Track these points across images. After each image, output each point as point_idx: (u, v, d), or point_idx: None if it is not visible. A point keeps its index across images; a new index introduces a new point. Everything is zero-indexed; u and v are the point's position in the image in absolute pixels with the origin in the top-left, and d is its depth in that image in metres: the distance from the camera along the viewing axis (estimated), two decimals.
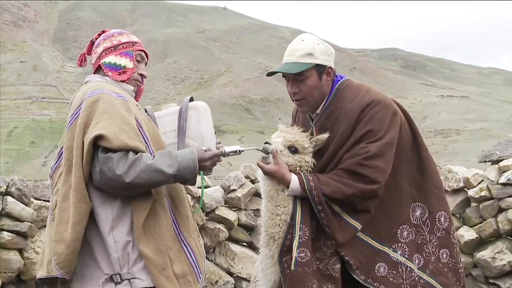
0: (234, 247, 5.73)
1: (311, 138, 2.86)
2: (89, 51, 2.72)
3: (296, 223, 2.73)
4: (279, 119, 42.97)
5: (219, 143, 2.64)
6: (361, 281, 2.75)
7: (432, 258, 2.84)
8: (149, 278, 2.29)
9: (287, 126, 2.96)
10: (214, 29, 66.83)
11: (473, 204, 5.93)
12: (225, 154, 2.56)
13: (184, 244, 2.44)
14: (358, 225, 2.73)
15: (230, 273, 5.66)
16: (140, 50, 2.65)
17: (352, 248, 2.74)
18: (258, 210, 6.00)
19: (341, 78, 2.94)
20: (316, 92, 2.84)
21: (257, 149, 2.74)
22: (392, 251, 2.78)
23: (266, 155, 2.74)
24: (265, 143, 2.75)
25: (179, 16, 68.99)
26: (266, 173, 2.77)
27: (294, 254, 2.68)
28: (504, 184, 5.59)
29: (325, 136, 2.81)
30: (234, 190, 5.71)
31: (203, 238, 5.49)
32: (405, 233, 2.81)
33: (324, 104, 2.88)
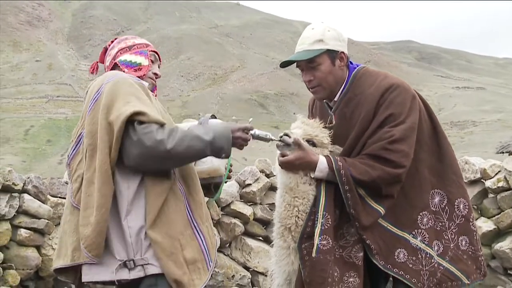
0: (250, 241, 5.73)
1: (330, 133, 2.84)
2: (102, 59, 2.78)
3: (319, 209, 2.72)
4: (294, 113, 42.82)
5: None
6: (380, 267, 2.75)
7: (451, 245, 2.84)
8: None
9: (308, 118, 2.94)
10: (227, 25, 66.83)
11: (491, 195, 5.88)
12: (254, 135, 2.58)
13: (197, 230, 2.45)
14: (381, 210, 2.73)
15: (247, 268, 5.67)
16: (153, 51, 2.73)
17: (373, 233, 2.74)
18: (273, 204, 6.00)
19: (358, 66, 2.94)
20: (330, 77, 2.85)
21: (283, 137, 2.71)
22: (412, 237, 2.78)
23: (283, 145, 2.70)
24: (284, 134, 2.72)
25: (192, 12, 69.10)
26: (290, 162, 2.74)
27: (316, 241, 2.67)
28: None
29: (340, 149, 2.82)
30: (249, 184, 5.72)
31: (219, 233, 5.50)
32: (425, 219, 2.81)
33: (342, 91, 2.88)
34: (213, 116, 2.74)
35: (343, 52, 2.86)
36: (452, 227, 2.87)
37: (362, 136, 2.79)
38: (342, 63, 2.87)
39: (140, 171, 2.36)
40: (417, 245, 2.79)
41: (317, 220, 2.71)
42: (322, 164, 2.74)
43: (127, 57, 2.65)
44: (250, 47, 60.34)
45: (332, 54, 2.83)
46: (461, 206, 2.90)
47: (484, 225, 5.72)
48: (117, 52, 2.67)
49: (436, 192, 2.87)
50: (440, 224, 2.85)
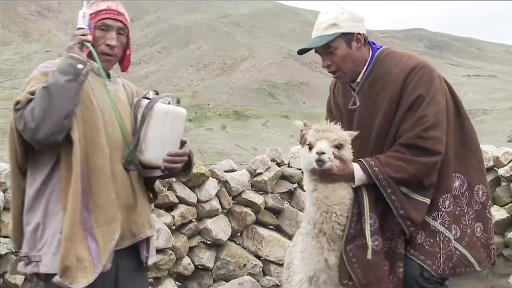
0: (261, 230, 5.74)
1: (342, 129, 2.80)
2: None
3: (364, 211, 2.71)
4: (303, 102, 42.75)
5: None
6: (402, 249, 2.75)
7: (468, 231, 2.82)
8: (54, 264, 2.29)
9: (305, 124, 2.87)
10: (236, 14, 66.58)
11: (504, 183, 5.86)
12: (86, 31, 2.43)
13: (89, 233, 2.38)
14: (427, 200, 2.72)
15: (258, 257, 5.68)
16: (105, 18, 2.54)
17: None
18: (284, 193, 6.01)
19: (381, 47, 2.90)
20: (349, 60, 2.83)
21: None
22: (432, 219, 2.76)
23: (321, 162, 2.65)
24: (320, 154, 2.65)
25: (201, 1, 68.92)
26: (334, 176, 2.70)
27: (369, 243, 2.66)
28: None
29: (354, 133, 2.78)
30: (260, 173, 5.71)
31: (230, 222, 5.50)
32: (446, 202, 2.78)
33: (365, 72, 2.85)
34: (156, 92, 2.69)
35: (359, 33, 2.82)
36: (470, 213, 2.84)
37: (391, 118, 2.76)
38: (360, 44, 2.84)
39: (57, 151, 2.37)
40: (436, 227, 2.76)
41: (364, 222, 2.70)
42: (358, 172, 2.72)
43: None
44: (259, 36, 60.12)
45: (347, 36, 2.80)
46: (480, 192, 2.87)
47: (497, 213, 5.70)
48: None
49: (457, 176, 2.84)
50: (459, 208, 2.83)
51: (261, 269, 5.64)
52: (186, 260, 5.23)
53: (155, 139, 2.54)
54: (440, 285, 2.78)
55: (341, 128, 2.80)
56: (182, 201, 5.19)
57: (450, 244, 2.75)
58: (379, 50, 2.89)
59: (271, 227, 5.94)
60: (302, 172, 6.01)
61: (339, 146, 2.74)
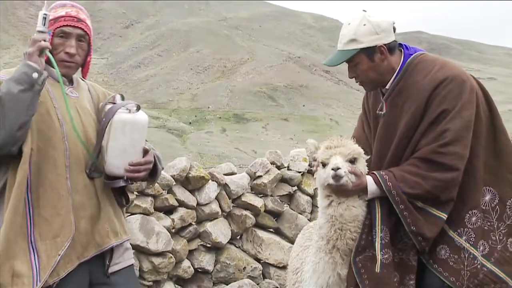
0: (261, 233, 5.75)
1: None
2: None
3: (376, 224, 2.70)
4: (303, 105, 42.72)
5: None
6: (425, 261, 2.72)
7: (499, 247, 2.72)
8: None
9: (315, 144, 2.93)
10: (236, 17, 66.63)
11: None
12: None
13: (32, 246, 2.34)
14: (444, 216, 2.65)
15: (258, 259, 5.69)
16: (64, 25, 2.48)
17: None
18: (284, 196, 6.02)
19: (415, 52, 2.82)
20: (372, 73, 2.79)
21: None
22: (457, 235, 2.69)
23: (338, 177, 2.68)
24: (336, 169, 2.67)
25: (201, 5, 68.99)
26: (348, 191, 2.71)
27: (379, 256, 2.65)
28: None
29: (368, 157, 2.81)
30: (260, 176, 5.72)
31: (230, 225, 5.51)
32: (473, 218, 2.70)
33: (394, 80, 2.80)
34: (122, 97, 2.67)
35: (382, 46, 2.77)
36: (501, 228, 2.75)
37: (413, 130, 2.72)
38: (383, 56, 2.79)
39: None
40: (461, 244, 2.70)
41: (375, 235, 2.69)
42: (372, 186, 2.71)
43: None
44: (259, 39, 60.18)
45: (368, 51, 2.76)
46: None
47: None
48: None
49: (488, 190, 2.75)
50: (489, 223, 2.74)
51: (260, 272, 5.65)
52: (186, 263, 5.24)
53: (114, 150, 2.52)
54: None
55: (364, 132, 2.87)
56: (181, 204, 5.20)
57: (476, 261, 2.68)
58: (411, 57, 2.83)
59: (271, 230, 5.95)
60: (302, 175, 6.04)
61: (353, 160, 2.76)
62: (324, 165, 2.78)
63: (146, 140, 2.73)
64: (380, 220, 2.71)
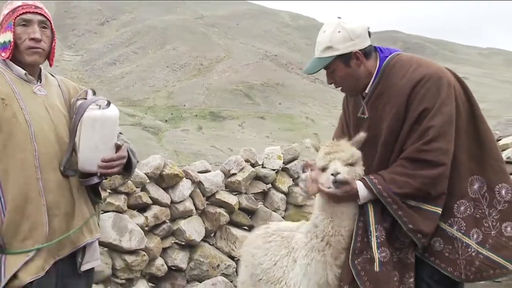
0: (235, 231, 5.77)
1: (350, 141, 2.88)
2: None
3: (370, 224, 2.75)
4: (279, 103, 42.78)
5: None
6: (419, 255, 2.78)
7: (493, 233, 2.78)
8: None
9: (307, 165, 2.96)
10: (213, 15, 66.39)
11: None
12: None
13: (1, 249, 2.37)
14: (438, 210, 2.72)
15: (232, 257, 5.71)
16: (24, 13, 2.48)
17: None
18: (258, 193, 6.04)
19: (390, 53, 2.88)
20: (349, 79, 2.86)
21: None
22: (448, 226, 2.77)
23: (338, 183, 2.73)
24: (336, 175, 2.73)
25: (178, 2, 68.59)
26: (337, 197, 2.76)
27: (376, 255, 2.71)
28: None
29: (362, 135, 2.84)
30: (234, 174, 5.74)
31: (204, 223, 5.51)
32: (462, 208, 2.77)
33: (372, 84, 2.85)
34: (94, 92, 2.67)
35: (357, 52, 2.81)
36: (493, 214, 2.80)
37: (396, 132, 2.77)
38: (359, 61, 2.84)
39: None
40: (453, 234, 2.77)
41: (370, 235, 2.74)
42: (363, 191, 2.76)
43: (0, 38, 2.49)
44: (235, 37, 60.05)
45: (344, 57, 2.82)
46: (503, 191, 2.83)
47: None
48: None
49: (476, 179, 2.82)
50: (480, 211, 2.80)
51: (234, 269, 5.66)
52: (159, 261, 5.23)
53: (86, 147, 2.53)
54: (453, 286, 2.81)
55: (348, 137, 2.89)
56: (155, 202, 5.19)
57: (469, 249, 2.75)
58: (387, 59, 2.88)
59: (245, 227, 5.97)
60: (276, 173, 6.06)
61: (352, 164, 2.82)
62: (323, 170, 2.83)
63: (120, 133, 2.75)
64: (374, 220, 2.77)
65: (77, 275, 2.62)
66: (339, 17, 2.89)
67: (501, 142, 6.03)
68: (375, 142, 2.86)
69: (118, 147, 2.60)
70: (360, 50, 2.82)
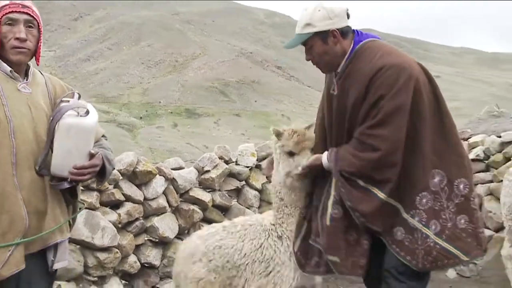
0: None
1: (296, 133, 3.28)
2: None
3: (332, 188, 2.99)
4: (255, 101, 42.81)
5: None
6: (385, 242, 2.94)
7: (449, 224, 2.88)
8: None
9: (276, 131, 3.33)
10: (189, 12, 66.09)
11: None
12: None
13: None
14: (382, 195, 2.85)
15: None
16: (10, 12, 2.47)
17: (374, 215, 2.90)
18: (232, 190, 6.05)
19: (367, 38, 3.03)
20: (326, 56, 3.02)
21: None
22: (410, 217, 2.88)
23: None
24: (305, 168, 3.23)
25: None
26: (308, 168, 3.15)
27: (329, 210, 2.98)
28: (472, 160, 5.73)
29: (303, 129, 3.27)
30: (208, 171, 5.73)
31: (177, 220, 5.50)
32: (424, 200, 2.88)
33: (345, 63, 3.00)
34: (79, 96, 2.66)
35: (334, 30, 2.96)
36: (450, 207, 2.90)
37: (357, 113, 2.92)
38: (336, 39, 2.98)
39: None
40: (414, 225, 2.88)
41: (330, 194, 3.00)
42: (325, 160, 3.03)
43: None
44: (211, 34, 59.89)
45: (322, 34, 2.97)
46: (461, 186, 2.92)
47: None
48: None
49: (437, 172, 2.91)
50: (439, 204, 2.90)
51: None
52: (132, 258, 5.20)
53: (59, 152, 2.52)
54: (416, 278, 2.93)
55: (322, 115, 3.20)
56: (128, 198, 5.16)
57: (428, 240, 2.85)
58: (360, 44, 3.01)
59: None
60: (250, 170, 6.08)
61: (289, 152, 3.27)
62: (291, 154, 3.24)
63: (104, 136, 2.78)
64: (334, 186, 3.00)
65: (44, 273, 2.61)
66: None
67: (471, 140, 6.14)
68: (343, 118, 3.02)
69: (92, 156, 2.59)
70: (337, 29, 2.98)
